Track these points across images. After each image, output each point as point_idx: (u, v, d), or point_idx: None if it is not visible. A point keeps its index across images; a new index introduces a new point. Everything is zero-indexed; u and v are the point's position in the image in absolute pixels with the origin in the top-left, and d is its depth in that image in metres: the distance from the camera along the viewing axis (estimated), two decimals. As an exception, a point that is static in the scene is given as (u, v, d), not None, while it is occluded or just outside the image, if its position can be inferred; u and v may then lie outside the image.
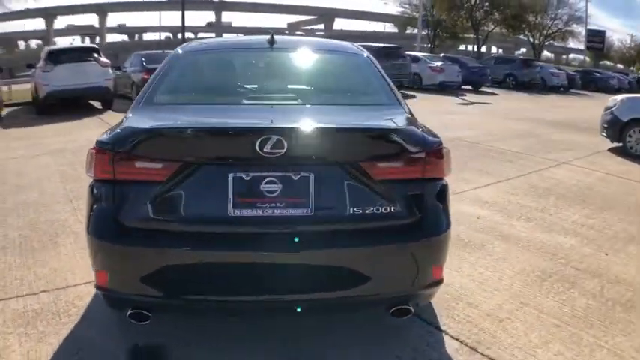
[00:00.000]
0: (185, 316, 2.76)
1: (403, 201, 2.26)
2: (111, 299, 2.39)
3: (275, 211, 2.15)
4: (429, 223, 2.30)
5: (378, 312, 2.44)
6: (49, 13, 68.82)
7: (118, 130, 2.34)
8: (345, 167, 2.21)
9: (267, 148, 2.09)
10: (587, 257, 3.78)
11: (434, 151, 2.33)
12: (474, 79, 22.17)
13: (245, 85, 3.04)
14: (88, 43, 67.32)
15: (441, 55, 25.32)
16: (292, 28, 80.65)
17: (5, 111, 12.19)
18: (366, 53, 3.33)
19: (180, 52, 3.34)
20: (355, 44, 3.57)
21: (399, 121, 2.50)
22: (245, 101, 2.77)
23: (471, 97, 18.60)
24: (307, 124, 2.29)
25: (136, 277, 2.22)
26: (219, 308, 2.35)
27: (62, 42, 73.27)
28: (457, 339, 2.64)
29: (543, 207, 5.04)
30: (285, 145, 2.10)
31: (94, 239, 2.26)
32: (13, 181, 5.94)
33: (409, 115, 2.62)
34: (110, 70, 12.15)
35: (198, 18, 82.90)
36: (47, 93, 11.26)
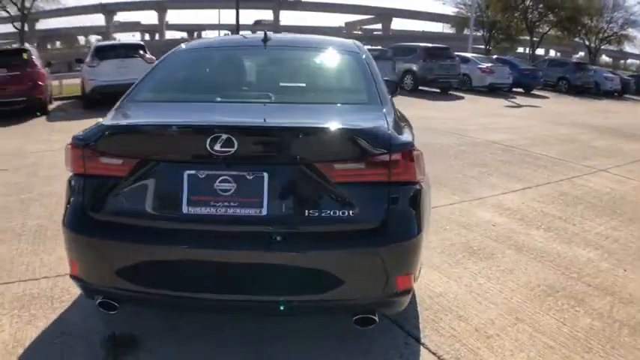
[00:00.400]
0: (150, 309, 2.75)
1: (365, 205, 2.11)
2: (83, 288, 2.43)
3: (228, 210, 2.10)
4: (393, 229, 2.14)
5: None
6: (108, 9, 70.88)
7: (91, 127, 2.36)
8: (300, 168, 2.10)
9: (217, 147, 2.05)
10: (603, 273, 3.47)
11: (402, 153, 2.16)
12: (526, 81, 21.28)
13: (226, 83, 3.00)
14: (147, 39, 69.15)
15: (494, 56, 24.47)
16: (350, 28, 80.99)
17: (54, 104, 12.74)
18: (363, 53, 3.18)
19: (183, 47, 3.38)
20: (355, 42, 3.43)
21: (367, 121, 2.34)
22: (219, 99, 2.71)
23: (520, 99, 17.87)
24: (262, 122, 2.23)
25: (99, 269, 2.27)
26: (177, 304, 2.30)
27: (122, 38, 75.88)
28: (435, 353, 2.45)
29: (568, 216, 4.70)
30: (236, 143, 2.04)
31: (65, 229, 2.32)
32: (44, 172, 6.15)
33: (385, 116, 2.43)
34: (154, 67, 12.46)
35: (257, 16, 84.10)
36: (93, 87, 11.69)
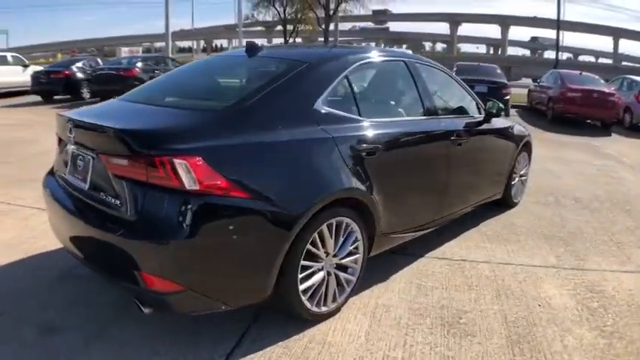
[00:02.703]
0: None
1: (128, 198, 2.25)
2: None
3: (76, 180, 2.61)
4: (140, 227, 2.19)
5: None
6: (454, 20, 72.18)
7: None
8: (98, 157, 2.41)
9: (68, 132, 2.62)
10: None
11: (163, 158, 2.16)
12: None
13: (166, 89, 3.27)
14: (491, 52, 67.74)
15: None
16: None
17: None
18: (316, 62, 2.98)
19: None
20: (340, 53, 3.28)
21: (161, 123, 2.45)
22: (142, 101, 2.99)
23: None
24: (89, 118, 2.61)
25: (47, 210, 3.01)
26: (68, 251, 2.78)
27: (465, 48, 76.79)
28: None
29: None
30: (73, 132, 2.56)
31: None
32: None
33: (202, 122, 2.43)
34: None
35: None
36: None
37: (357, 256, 2.95)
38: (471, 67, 14.48)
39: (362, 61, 3.20)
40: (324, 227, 2.65)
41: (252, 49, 3.22)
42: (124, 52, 39.02)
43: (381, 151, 2.98)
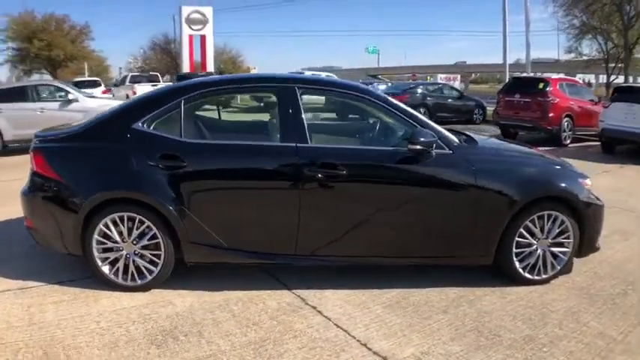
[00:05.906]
0: None
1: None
2: None
3: None
4: (26, 188, 3.55)
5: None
6: None
7: None
8: None
9: None
10: None
11: (32, 151, 3.45)
12: None
13: None
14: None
15: None
16: None
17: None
18: (158, 90, 3.88)
19: None
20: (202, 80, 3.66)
21: (53, 133, 3.65)
22: None
23: None
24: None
25: None
26: None
27: None
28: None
29: None
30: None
31: None
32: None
33: (71, 129, 3.63)
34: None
35: None
36: (602, 129, 10.08)
37: (159, 252, 3.34)
38: None
39: (205, 89, 3.51)
40: (116, 217, 3.28)
41: (181, 79, 4.00)
42: (440, 78, 39.29)
43: (188, 168, 3.24)
